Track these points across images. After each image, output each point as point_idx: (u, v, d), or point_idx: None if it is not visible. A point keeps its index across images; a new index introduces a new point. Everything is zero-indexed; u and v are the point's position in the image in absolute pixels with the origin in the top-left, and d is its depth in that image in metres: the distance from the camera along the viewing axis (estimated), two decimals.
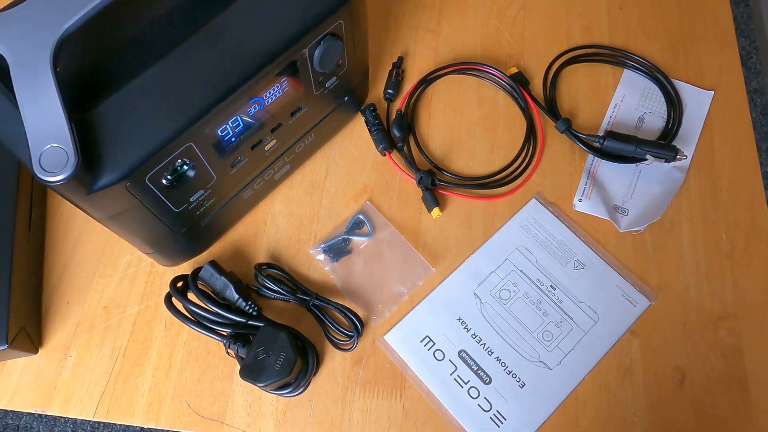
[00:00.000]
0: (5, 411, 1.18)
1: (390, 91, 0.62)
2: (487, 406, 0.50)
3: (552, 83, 0.64)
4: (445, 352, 0.52)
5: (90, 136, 0.37)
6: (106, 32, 0.40)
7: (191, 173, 0.44)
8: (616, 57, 0.65)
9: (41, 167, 0.34)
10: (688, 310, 0.54)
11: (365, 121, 0.61)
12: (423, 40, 0.67)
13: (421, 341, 0.53)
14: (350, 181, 0.59)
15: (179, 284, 0.51)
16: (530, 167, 0.60)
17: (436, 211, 0.56)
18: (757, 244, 0.56)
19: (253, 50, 0.42)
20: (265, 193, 0.57)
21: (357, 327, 0.51)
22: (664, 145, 0.58)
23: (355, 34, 0.49)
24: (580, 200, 0.58)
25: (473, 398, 0.51)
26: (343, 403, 0.51)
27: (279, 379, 0.46)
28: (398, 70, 0.64)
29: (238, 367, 0.48)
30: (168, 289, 0.50)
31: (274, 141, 0.51)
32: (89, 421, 1.00)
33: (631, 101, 0.63)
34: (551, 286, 0.55)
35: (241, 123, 0.45)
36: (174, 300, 0.50)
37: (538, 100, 0.63)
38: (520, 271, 0.55)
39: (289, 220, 0.58)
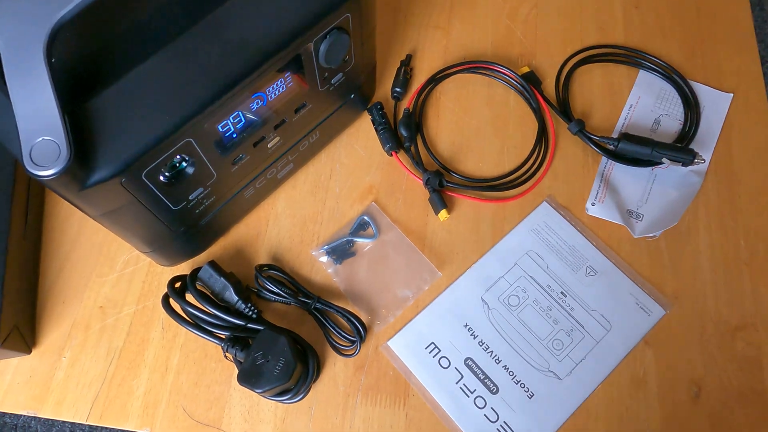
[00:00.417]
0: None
1: (398, 89, 0.61)
2: (493, 417, 0.48)
3: (565, 83, 0.62)
4: (451, 360, 0.50)
5: (84, 129, 0.35)
6: (103, 22, 0.39)
7: (190, 170, 0.42)
8: (632, 57, 0.63)
9: (32, 161, 0.32)
10: (705, 320, 0.52)
11: (372, 120, 0.59)
12: (433, 37, 0.65)
13: (426, 348, 0.51)
14: (355, 182, 0.58)
15: (177, 285, 0.49)
16: (541, 169, 0.58)
17: (443, 213, 0.54)
18: None
19: (256, 43, 0.40)
20: (268, 192, 0.56)
21: (360, 332, 0.49)
22: (681, 148, 0.56)
23: (363, 29, 0.48)
24: (593, 204, 0.56)
25: (479, 408, 0.49)
26: (344, 410, 0.49)
27: (278, 385, 0.44)
28: (407, 68, 0.62)
29: (237, 371, 0.46)
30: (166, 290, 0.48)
31: (278, 138, 0.49)
32: None
33: (647, 103, 0.61)
34: (562, 292, 0.53)
35: (242, 119, 0.43)
36: (171, 301, 0.48)
37: (551, 100, 0.61)
38: (530, 276, 0.53)
39: (292, 220, 0.56)
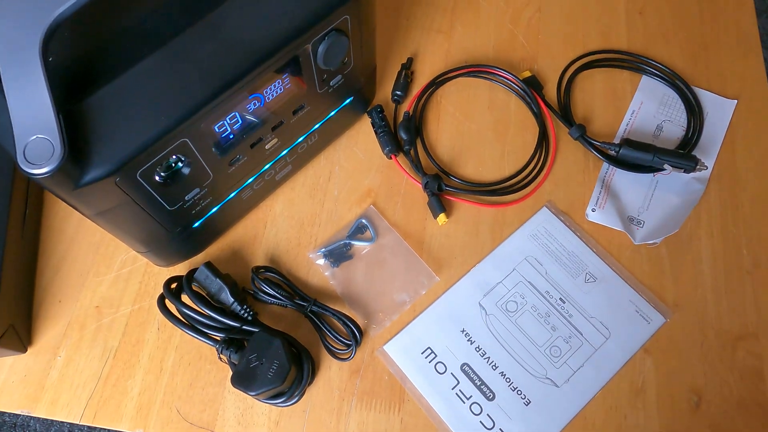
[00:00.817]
0: None
1: (398, 92, 0.61)
2: (489, 424, 0.48)
3: (567, 88, 0.62)
4: (447, 365, 0.50)
5: (79, 128, 0.35)
6: (100, 20, 0.39)
7: (186, 170, 0.42)
8: (634, 63, 0.63)
9: (26, 159, 0.32)
10: (706, 329, 0.51)
11: (371, 123, 0.59)
12: (434, 41, 0.65)
13: (422, 353, 0.50)
14: (354, 184, 0.57)
15: (173, 285, 0.49)
16: (542, 174, 0.58)
17: (442, 217, 0.54)
18: None
19: (253, 43, 0.40)
20: (266, 194, 0.56)
21: (356, 336, 0.49)
22: (684, 154, 0.55)
23: (363, 31, 0.47)
24: (593, 210, 0.56)
25: (475, 415, 0.48)
26: (338, 414, 0.49)
27: (271, 387, 0.44)
28: (407, 71, 0.62)
29: (231, 373, 0.46)
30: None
31: (275, 140, 0.49)
32: None
33: (650, 108, 0.61)
34: (561, 299, 0.52)
35: (239, 119, 0.43)
36: (167, 302, 0.48)
37: (552, 105, 0.61)
38: (528, 282, 0.53)
39: (290, 222, 0.56)
